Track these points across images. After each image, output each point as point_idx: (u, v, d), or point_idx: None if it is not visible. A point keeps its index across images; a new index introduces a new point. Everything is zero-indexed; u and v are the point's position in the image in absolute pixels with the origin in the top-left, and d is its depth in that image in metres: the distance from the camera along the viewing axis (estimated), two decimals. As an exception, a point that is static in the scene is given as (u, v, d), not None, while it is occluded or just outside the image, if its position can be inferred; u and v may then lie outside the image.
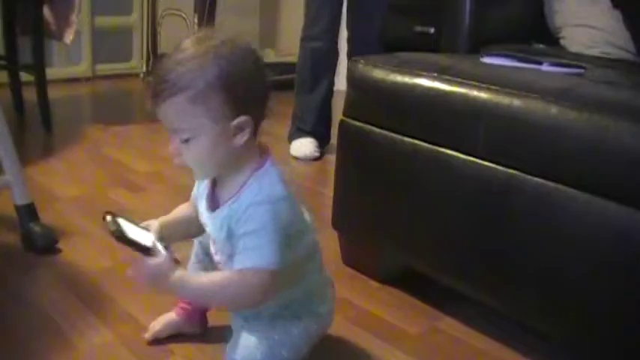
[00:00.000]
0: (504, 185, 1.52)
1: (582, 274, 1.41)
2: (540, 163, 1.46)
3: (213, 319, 1.65)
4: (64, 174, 2.75)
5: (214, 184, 1.38)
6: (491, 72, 1.71)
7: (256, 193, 1.28)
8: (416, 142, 1.70)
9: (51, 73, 3.62)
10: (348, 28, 3.22)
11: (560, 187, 1.43)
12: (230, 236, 1.30)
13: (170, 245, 1.35)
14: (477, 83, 1.60)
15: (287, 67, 4.38)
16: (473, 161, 1.58)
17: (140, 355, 1.53)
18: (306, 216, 1.47)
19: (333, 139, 3.10)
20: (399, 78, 1.75)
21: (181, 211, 1.49)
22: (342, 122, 1.92)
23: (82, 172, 2.79)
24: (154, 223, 1.41)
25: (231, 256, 1.31)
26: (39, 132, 3.29)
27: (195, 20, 4.28)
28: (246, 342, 1.35)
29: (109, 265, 1.90)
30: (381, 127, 1.79)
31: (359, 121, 1.86)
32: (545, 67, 1.83)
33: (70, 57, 4.49)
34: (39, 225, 2.03)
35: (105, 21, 4.64)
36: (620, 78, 1.97)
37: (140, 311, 1.69)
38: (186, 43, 1.25)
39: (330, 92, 3.23)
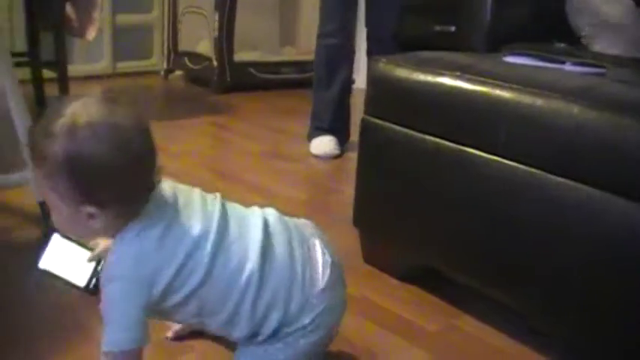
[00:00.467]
0: (525, 184, 1.52)
1: (604, 273, 1.41)
2: (561, 162, 1.46)
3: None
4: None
5: None
6: (514, 71, 1.72)
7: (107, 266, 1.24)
8: (437, 140, 1.70)
9: (72, 70, 3.65)
10: (366, 26, 3.23)
11: (581, 186, 1.43)
12: None
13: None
14: (499, 82, 1.60)
15: (307, 65, 4.41)
16: (494, 160, 1.58)
17: (160, 349, 1.54)
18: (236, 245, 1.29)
19: (353, 137, 3.14)
20: (421, 77, 1.76)
21: None
22: (363, 120, 1.93)
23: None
24: (101, 244, 1.41)
25: None
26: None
27: (216, 18, 4.29)
28: None
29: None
30: (403, 126, 1.80)
31: (380, 119, 1.86)
32: (567, 67, 1.83)
33: (91, 54, 4.52)
34: (51, 224, 2.04)
35: (126, 18, 4.67)
36: (641, 78, 1.97)
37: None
38: (65, 109, 1.14)
39: (346, 89, 3.23)
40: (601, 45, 2.65)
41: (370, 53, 3.09)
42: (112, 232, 1.22)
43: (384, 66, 1.86)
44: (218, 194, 1.36)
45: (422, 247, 1.83)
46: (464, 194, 1.67)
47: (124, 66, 4.72)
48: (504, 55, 1.95)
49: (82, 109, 1.14)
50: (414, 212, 1.81)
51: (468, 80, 1.65)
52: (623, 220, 1.37)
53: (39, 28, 3.47)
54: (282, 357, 1.32)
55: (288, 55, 4.81)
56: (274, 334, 1.31)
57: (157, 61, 4.89)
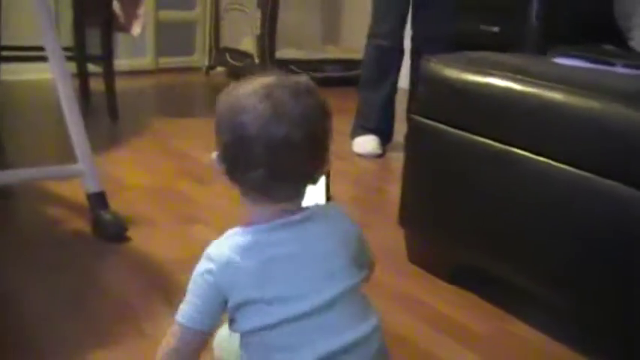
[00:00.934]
0: (578, 187, 1.51)
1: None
2: (615, 166, 1.45)
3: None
4: (131, 164, 2.81)
5: None
6: (565, 73, 1.71)
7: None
8: (488, 141, 1.70)
9: (116, 64, 3.69)
10: (413, 26, 3.23)
11: (635, 190, 1.42)
12: None
13: None
14: (551, 84, 1.59)
15: (350, 64, 4.42)
16: (546, 162, 1.57)
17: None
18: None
19: (396, 137, 3.14)
20: (471, 77, 1.75)
21: None
22: (411, 120, 1.93)
23: (148, 163, 2.84)
24: None
25: None
26: (105, 122, 3.37)
27: (258, 15, 4.31)
28: None
29: (179, 256, 1.93)
30: (453, 126, 1.79)
31: (429, 119, 1.86)
32: (619, 69, 1.82)
33: (135, 49, 4.56)
34: (110, 213, 2.07)
35: (169, 15, 4.71)
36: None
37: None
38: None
39: (394, 91, 3.23)
40: (650, 47, 2.63)
41: (418, 54, 3.09)
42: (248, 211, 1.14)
43: (435, 66, 1.86)
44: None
45: (468, 248, 1.82)
46: (513, 196, 1.66)
47: (167, 61, 4.76)
48: (554, 57, 1.94)
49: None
50: (462, 213, 1.80)
51: (520, 81, 1.64)
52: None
53: (87, 23, 3.51)
54: None
55: (331, 53, 4.81)
56: None
57: (199, 57, 4.93)
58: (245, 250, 1.08)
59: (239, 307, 1.08)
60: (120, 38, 4.28)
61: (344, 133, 3.24)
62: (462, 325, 1.73)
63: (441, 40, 3.07)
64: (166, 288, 1.79)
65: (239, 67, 4.54)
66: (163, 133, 3.29)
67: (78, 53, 3.56)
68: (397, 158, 1.98)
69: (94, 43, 3.49)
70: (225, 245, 1.10)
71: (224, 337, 1.29)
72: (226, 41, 4.74)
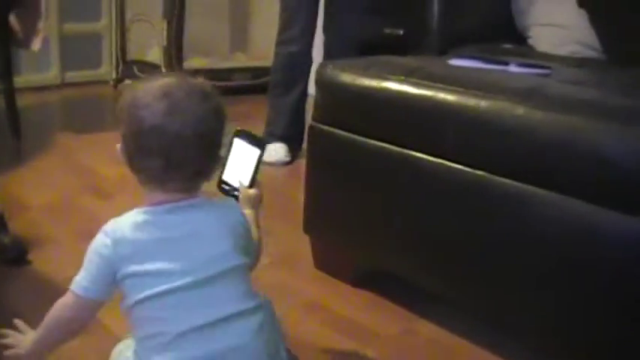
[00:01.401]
0: (473, 186, 1.53)
1: (552, 273, 1.42)
2: (508, 164, 1.47)
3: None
4: (34, 182, 2.73)
5: None
6: (458, 74, 1.72)
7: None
8: (385, 145, 1.71)
9: (19, 80, 3.60)
10: (325, 31, 3.22)
11: (528, 187, 1.44)
12: None
13: None
14: (444, 85, 1.60)
15: (259, 71, 4.39)
16: (441, 163, 1.58)
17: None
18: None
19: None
20: (367, 82, 1.76)
21: None
22: (311, 127, 1.92)
23: (52, 180, 2.77)
24: None
25: None
26: (8, 141, 3.26)
27: (164, 26, 4.25)
28: None
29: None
30: (350, 131, 1.80)
31: (328, 125, 1.86)
32: (512, 68, 1.84)
33: (39, 64, 4.45)
34: (8, 236, 2.01)
35: (73, 27, 4.60)
36: (586, 77, 1.99)
37: (113, 321, 1.68)
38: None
39: (303, 97, 3.22)
40: (547, 45, 2.68)
41: (331, 58, 3.10)
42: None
43: (331, 71, 1.86)
44: None
45: (372, 252, 1.83)
46: (412, 198, 1.67)
47: (73, 75, 4.64)
48: (449, 59, 1.96)
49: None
50: (363, 217, 1.81)
51: (413, 84, 1.66)
52: (574, 219, 1.38)
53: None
54: None
55: (239, 61, 4.78)
56: None
57: (107, 70, 4.83)
58: (138, 228, 1.20)
59: (128, 278, 1.19)
60: (22, 53, 4.17)
61: (254, 141, 3.21)
62: (367, 327, 1.75)
63: (351, 43, 3.09)
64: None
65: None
66: (69, 149, 3.22)
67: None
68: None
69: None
70: (121, 222, 1.22)
71: (119, 351, 1.36)
72: (133, 53, 4.67)
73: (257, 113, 3.25)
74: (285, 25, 3.15)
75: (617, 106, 1.41)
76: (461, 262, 1.59)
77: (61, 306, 1.27)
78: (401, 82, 1.68)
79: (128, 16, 4.63)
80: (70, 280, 1.81)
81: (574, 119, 1.38)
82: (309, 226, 2.00)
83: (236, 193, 1.44)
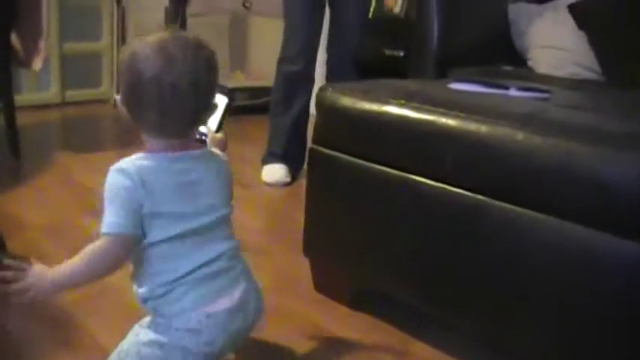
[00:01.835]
0: (472, 210, 1.53)
1: (551, 296, 1.42)
2: (507, 188, 1.48)
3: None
4: (32, 201, 2.73)
5: None
6: (459, 98, 1.73)
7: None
8: (385, 168, 1.71)
9: (20, 99, 3.60)
10: (328, 49, 3.21)
11: (527, 211, 1.44)
12: None
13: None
14: (444, 110, 1.61)
15: (258, 91, 4.39)
16: (441, 187, 1.59)
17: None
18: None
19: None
20: (367, 105, 1.76)
21: None
22: (311, 150, 1.93)
23: (51, 200, 2.77)
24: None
25: None
26: (7, 159, 3.26)
27: (165, 45, 4.26)
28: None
29: (77, 295, 1.88)
30: (350, 154, 1.80)
31: (328, 148, 1.86)
32: (512, 92, 1.85)
33: (39, 83, 4.46)
34: (7, 257, 2.00)
35: (74, 47, 4.62)
36: (585, 101, 2.00)
37: (110, 339, 1.67)
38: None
39: (304, 116, 3.19)
40: (546, 67, 2.69)
41: (332, 76, 3.10)
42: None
43: (331, 94, 1.86)
44: None
45: (371, 275, 1.83)
46: (412, 221, 1.67)
47: (73, 94, 4.65)
48: (449, 82, 1.96)
49: None
50: (362, 240, 1.81)
51: (413, 108, 1.66)
52: (571, 244, 1.39)
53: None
54: None
55: (238, 80, 4.79)
56: None
57: (107, 89, 4.85)
58: (151, 172, 1.28)
59: (152, 217, 1.27)
60: (23, 71, 4.18)
61: (252, 162, 3.22)
62: (364, 350, 1.75)
63: (353, 63, 3.09)
64: (64, 327, 1.76)
65: (147, 97, 4.47)
66: (68, 168, 3.22)
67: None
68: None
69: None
70: (133, 163, 1.28)
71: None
72: (133, 72, 4.67)
73: (255, 134, 3.25)
74: (287, 44, 3.13)
75: (615, 131, 1.42)
76: (459, 285, 1.59)
77: (97, 262, 1.28)
78: (401, 106, 1.69)
79: (129, 35, 4.65)
80: (67, 301, 1.83)
81: (572, 144, 1.39)
82: (308, 248, 2.00)
83: (204, 137, 1.52)
